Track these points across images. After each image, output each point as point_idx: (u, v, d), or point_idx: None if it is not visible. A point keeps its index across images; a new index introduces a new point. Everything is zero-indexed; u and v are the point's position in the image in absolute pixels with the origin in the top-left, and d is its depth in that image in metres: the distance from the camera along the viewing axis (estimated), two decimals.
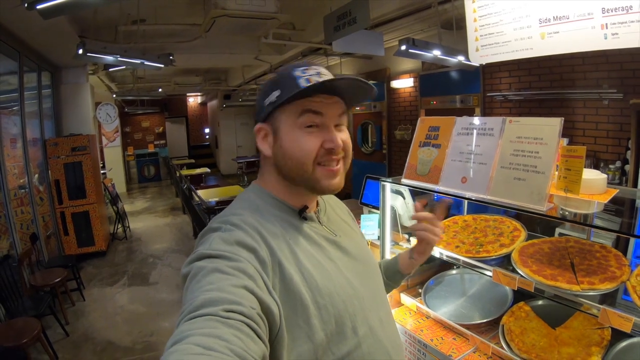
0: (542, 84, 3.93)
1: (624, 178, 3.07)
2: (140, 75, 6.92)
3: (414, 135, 1.72)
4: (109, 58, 3.42)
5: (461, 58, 3.49)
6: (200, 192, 5.58)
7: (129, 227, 6.81)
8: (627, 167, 3.00)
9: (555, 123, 1.11)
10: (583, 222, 1.27)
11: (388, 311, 0.91)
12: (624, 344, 1.25)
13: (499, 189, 1.23)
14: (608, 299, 1.16)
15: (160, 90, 7.67)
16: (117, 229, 6.49)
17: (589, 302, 1.12)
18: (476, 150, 1.37)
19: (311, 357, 0.69)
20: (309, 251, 0.78)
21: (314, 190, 0.82)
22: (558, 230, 2.37)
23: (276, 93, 0.78)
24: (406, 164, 1.70)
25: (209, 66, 8.08)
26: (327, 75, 0.80)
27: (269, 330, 0.63)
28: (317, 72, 0.79)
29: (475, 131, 1.40)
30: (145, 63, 3.54)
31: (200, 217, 5.08)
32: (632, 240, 2.15)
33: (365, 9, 2.79)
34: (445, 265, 1.96)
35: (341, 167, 0.82)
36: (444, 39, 3.49)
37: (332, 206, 0.96)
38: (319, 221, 0.86)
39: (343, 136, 0.81)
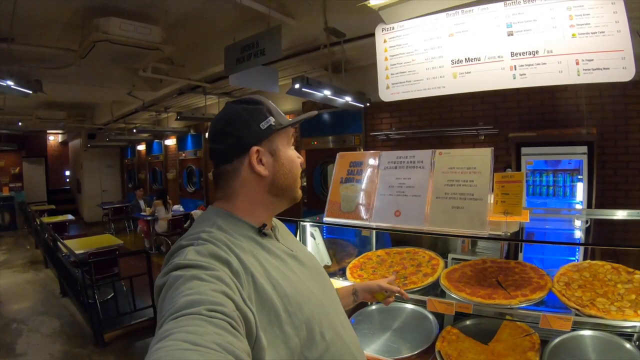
0: (422, 123, 4.42)
1: None
2: None
3: (334, 172, 1.72)
4: None
5: (348, 99, 3.72)
6: (67, 243, 4.89)
7: None
8: None
9: (486, 153, 1.22)
10: None
11: (345, 316, 0.98)
12: (553, 343, 1.39)
13: (437, 219, 1.28)
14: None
15: (20, 124, 6.47)
16: None
17: (527, 312, 1.23)
18: (407, 183, 1.41)
19: None
20: (274, 264, 0.83)
21: (294, 199, 0.95)
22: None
23: (272, 119, 0.89)
24: (327, 202, 1.66)
25: (76, 100, 7.28)
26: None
27: (247, 338, 0.64)
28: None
29: (404, 165, 1.46)
30: (12, 87, 2.96)
31: (69, 271, 4.33)
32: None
33: (276, 40, 2.62)
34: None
35: None
36: (332, 81, 3.68)
37: (279, 225, 1.04)
38: (276, 238, 0.93)
39: None
